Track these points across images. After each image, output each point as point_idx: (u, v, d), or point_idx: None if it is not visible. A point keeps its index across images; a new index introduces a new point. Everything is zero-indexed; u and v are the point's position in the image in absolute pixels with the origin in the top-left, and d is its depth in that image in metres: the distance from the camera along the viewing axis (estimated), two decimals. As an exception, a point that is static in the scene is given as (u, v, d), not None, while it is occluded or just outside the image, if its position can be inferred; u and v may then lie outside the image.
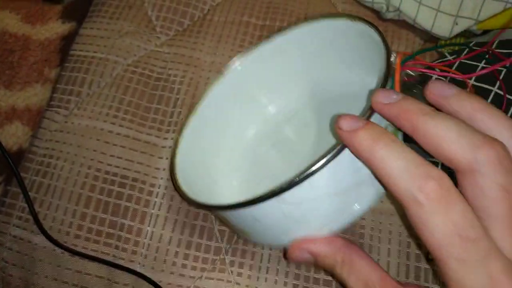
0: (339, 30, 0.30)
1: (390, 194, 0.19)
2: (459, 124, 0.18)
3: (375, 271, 0.22)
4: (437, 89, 0.20)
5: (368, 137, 0.19)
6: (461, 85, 0.35)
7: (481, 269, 0.16)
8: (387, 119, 0.21)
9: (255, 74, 0.34)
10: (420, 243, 0.32)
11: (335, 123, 0.21)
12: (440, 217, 0.17)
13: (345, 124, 0.20)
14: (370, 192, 0.24)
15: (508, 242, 0.17)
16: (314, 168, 0.21)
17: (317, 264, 0.24)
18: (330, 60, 0.33)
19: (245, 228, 0.28)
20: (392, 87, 0.24)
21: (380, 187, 0.23)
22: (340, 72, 0.33)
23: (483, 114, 0.19)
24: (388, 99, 0.20)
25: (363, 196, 0.24)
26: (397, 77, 0.24)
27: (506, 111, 0.31)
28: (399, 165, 0.18)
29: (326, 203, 0.23)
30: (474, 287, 0.16)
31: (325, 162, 0.21)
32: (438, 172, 0.17)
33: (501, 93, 0.33)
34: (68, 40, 0.37)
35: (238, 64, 0.33)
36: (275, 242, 0.28)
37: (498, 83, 0.33)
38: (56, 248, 0.32)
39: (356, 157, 0.21)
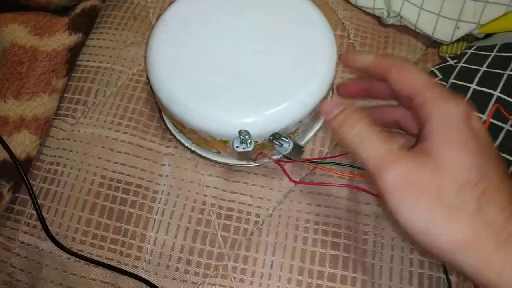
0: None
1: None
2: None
3: None
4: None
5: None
6: (463, 90, 0.35)
7: None
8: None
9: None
10: (422, 250, 0.32)
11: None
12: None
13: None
14: None
15: None
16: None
17: None
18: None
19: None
20: None
21: None
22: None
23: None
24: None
25: None
26: None
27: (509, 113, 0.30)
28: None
29: None
30: None
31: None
32: None
33: (504, 97, 0.33)
34: (74, 51, 0.38)
35: None
36: None
37: (500, 87, 0.33)
38: (62, 253, 0.33)
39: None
